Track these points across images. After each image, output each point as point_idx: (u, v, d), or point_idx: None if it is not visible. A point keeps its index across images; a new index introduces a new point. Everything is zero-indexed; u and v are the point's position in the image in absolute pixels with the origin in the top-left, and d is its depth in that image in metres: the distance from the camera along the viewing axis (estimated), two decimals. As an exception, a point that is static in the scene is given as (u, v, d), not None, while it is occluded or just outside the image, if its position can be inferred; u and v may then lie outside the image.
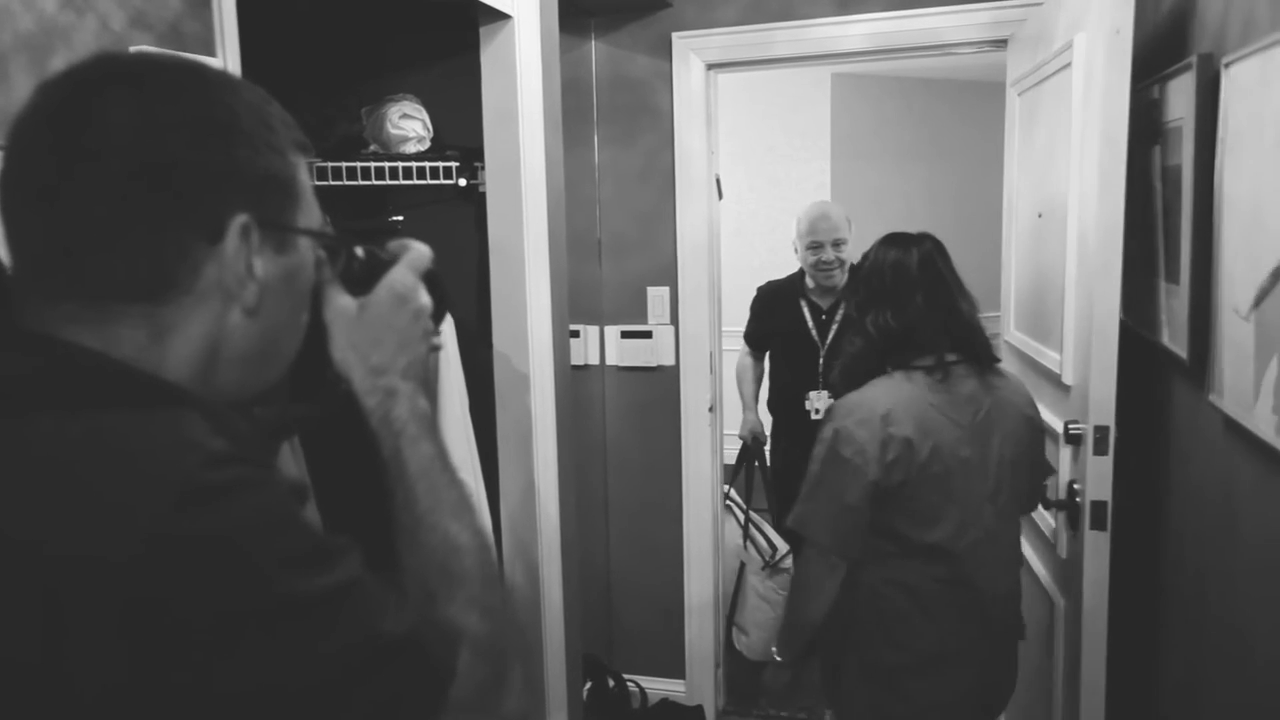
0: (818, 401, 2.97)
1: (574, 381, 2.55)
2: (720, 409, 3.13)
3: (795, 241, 3.08)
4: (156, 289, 0.63)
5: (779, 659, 1.96)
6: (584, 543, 2.74)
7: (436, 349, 0.82)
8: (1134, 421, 1.89)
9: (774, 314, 3.15)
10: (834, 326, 3.01)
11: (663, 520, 3.06)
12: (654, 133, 2.91)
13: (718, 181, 3.02)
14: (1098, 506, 1.85)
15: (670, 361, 2.99)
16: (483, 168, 2.04)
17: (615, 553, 3.14)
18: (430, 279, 0.80)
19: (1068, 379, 1.98)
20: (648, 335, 2.98)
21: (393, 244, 0.80)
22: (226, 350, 0.66)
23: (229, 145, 0.64)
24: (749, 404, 3.31)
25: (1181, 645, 1.85)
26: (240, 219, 0.64)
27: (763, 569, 2.98)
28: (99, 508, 0.54)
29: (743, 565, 2.96)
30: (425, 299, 0.78)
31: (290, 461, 1.48)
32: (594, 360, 3.05)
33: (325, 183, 1.93)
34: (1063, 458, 1.97)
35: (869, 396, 1.75)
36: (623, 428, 3.08)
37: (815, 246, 3.01)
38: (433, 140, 2.07)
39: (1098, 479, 1.84)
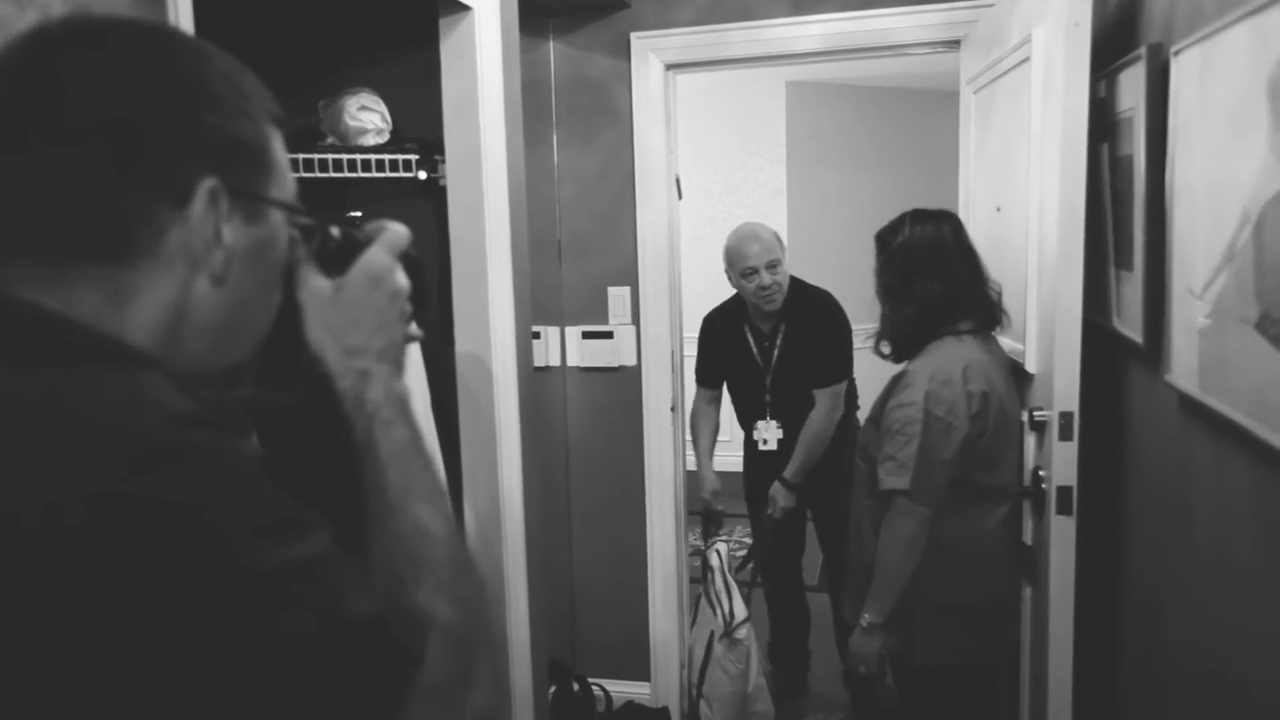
0: (765, 432, 2.92)
1: (536, 382, 2.53)
2: (681, 409, 3.12)
3: (727, 271, 2.91)
4: (118, 251, 0.61)
5: (870, 620, 1.97)
6: (547, 545, 2.71)
7: (415, 338, 0.80)
8: (1092, 407, 1.92)
9: (720, 342, 3.00)
10: (776, 351, 2.91)
11: (626, 522, 3.04)
12: (613, 132, 2.91)
13: (677, 181, 3.02)
14: (1063, 492, 1.87)
15: (632, 362, 2.98)
16: (443, 161, 2.01)
17: (579, 555, 3.11)
18: (408, 262, 0.78)
19: (1031, 367, 2.01)
20: (609, 336, 2.97)
21: (370, 225, 0.78)
22: (192, 319, 0.64)
23: (198, 107, 0.62)
24: (704, 458, 3.02)
25: (1141, 624, 1.87)
26: (208, 183, 0.62)
27: (720, 638, 2.78)
28: (49, 464, 0.51)
29: (712, 633, 2.84)
30: (403, 280, 0.76)
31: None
32: (555, 361, 3.03)
33: None
34: (1028, 445, 2.00)
35: (942, 359, 1.92)
36: (585, 429, 3.05)
37: (750, 273, 2.82)
38: (392, 133, 2.04)
39: (1063, 464, 1.87)
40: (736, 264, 2.86)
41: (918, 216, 2.01)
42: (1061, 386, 1.86)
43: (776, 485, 2.88)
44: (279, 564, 0.55)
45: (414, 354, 1.97)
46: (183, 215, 0.62)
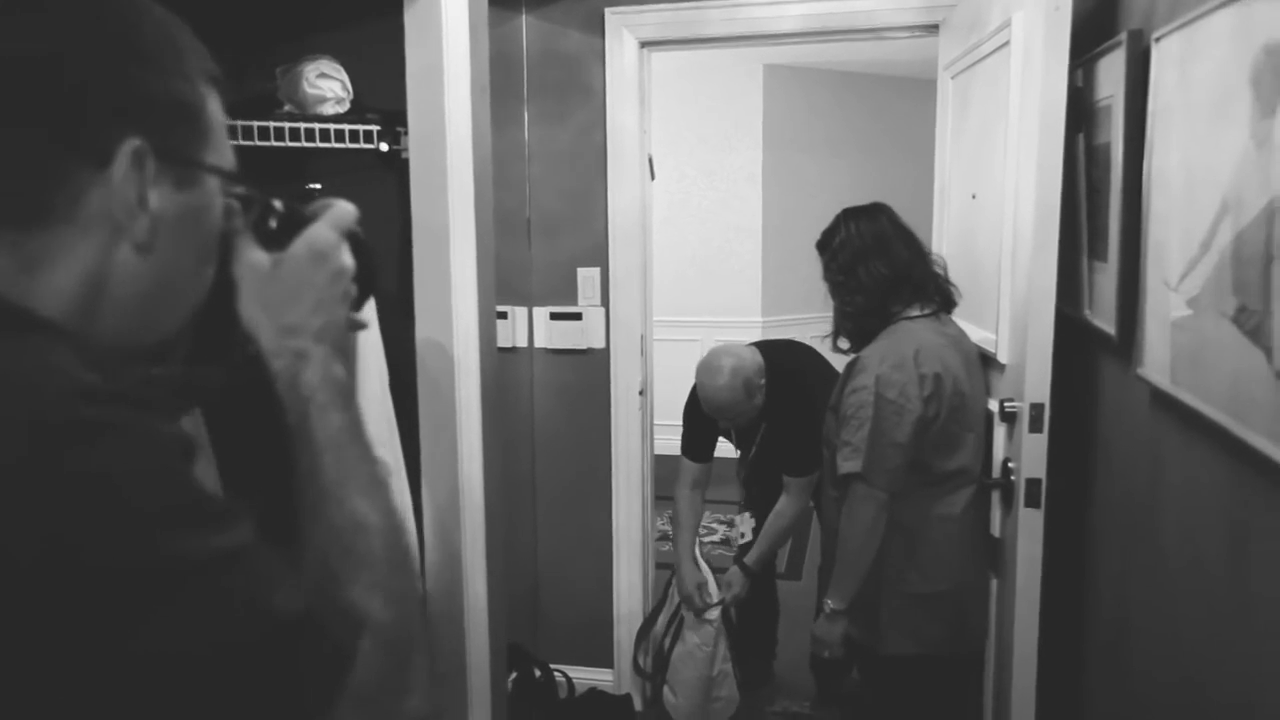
0: (742, 525, 2.84)
1: (501, 364, 2.48)
2: (650, 392, 3.09)
3: None
4: (28, 214, 0.57)
5: (833, 606, 1.97)
6: (510, 529, 2.66)
7: (359, 325, 0.77)
8: (1063, 400, 1.90)
9: (704, 425, 2.77)
10: (754, 448, 2.78)
11: (592, 506, 3.01)
12: (586, 110, 2.85)
13: (650, 162, 2.97)
14: (1033, 484, 1.86)
15: (601, 344, 2.93)
16: (406, 133, 1.94)
17: (543, 540, 3.07)
18: (355, 242, 0.75)
19: (1003, 358, 1.99)
20: (578, 317, 2.92)
21: (316, 203, 0.75)
22: (113, 290, 0.61)
23: (125, 60, 0.59)
24: (684, 551, 2.72)
25: (1108, 620, 1.86)
26: (132, 143, 0.59)
27: (695, 618, 2.70)
28: None
29: (679, 612, 2.74)
30: (347, 259, 0.73)
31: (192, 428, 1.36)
32: (522, 342, 2.98)
33: (235, 142, 1.78)
34: (997, 436, 1.98)
35: (893, 343, 1.91)
36: (551, 411, 3.01)
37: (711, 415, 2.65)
38: (353, 102, 1.96)
39: (1033, 456, 1.85)
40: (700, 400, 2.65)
41: (851, 214, 2.05)
42: (1033, 377, 1.84)
43: (734, 570, 2.76)
44: (199, 553, 0.51)
45: (372, 334, 1.91)
46: (103, 177, 0.58)
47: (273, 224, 0.72)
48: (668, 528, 4.58)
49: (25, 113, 0.56)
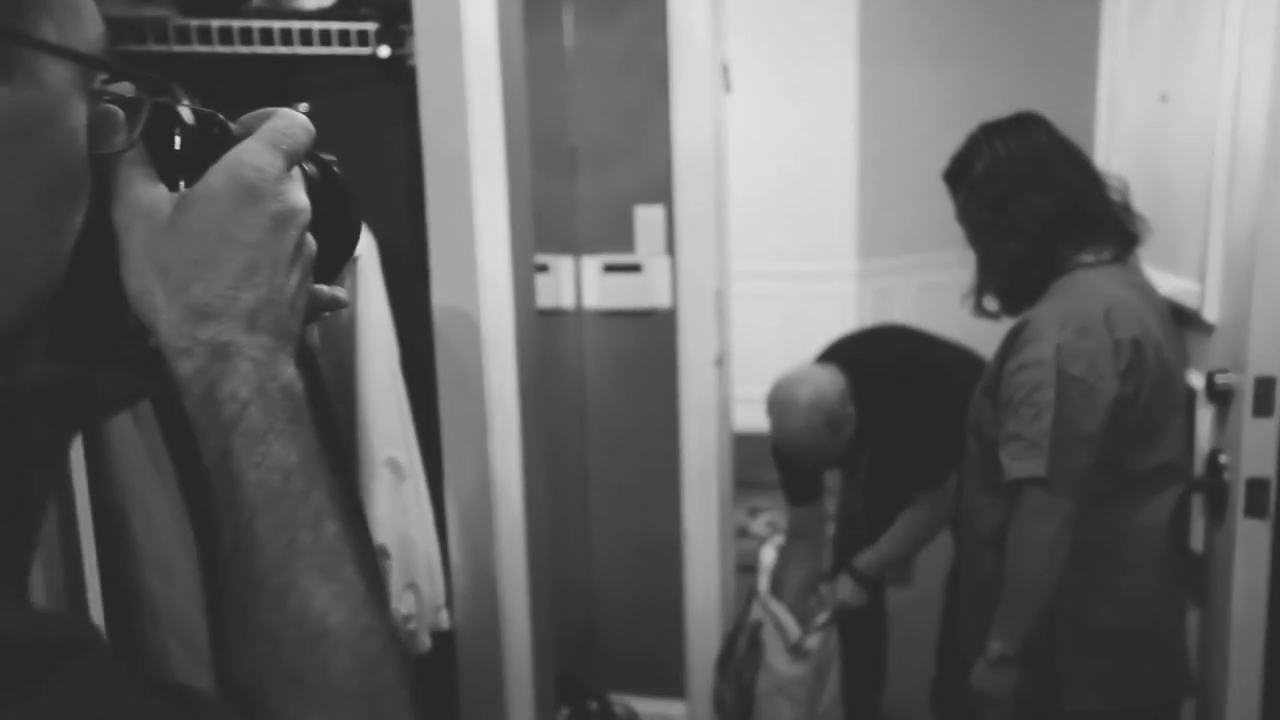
0: (840, 591, 2.63)
1: (542, 331, 2.39)
2: (729, 363, 2.94)
3: None
4: None
5: (1000, 651, 1.74)
6: (557, 537, 2.61)
7: (335, 305, 0.64)
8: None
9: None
10: (864, 475, 2.65)
11: (657, 506, 2.89)
12: (642, 7, 2.67)
13: (725, 71, 2.79)
14: (1256, 486, 1.67)
15: (666, 303, 2.79)
16: (411, 32, 1.82)
17: (597, 548, 2.98)
18: (323, 173, 0.62)
19: (1211, 315, 1.78)
20: (636, 269, 2.78)
21: (250, 114, 0.60)
22: None
23: None
24: (803, 583, 2.68)
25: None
26: None
27: (787, 650, 2.60)
28: None
29: (758, 634, 2.62)
30: (298, 197, 0.57)
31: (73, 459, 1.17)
32: (568, 303, 2.85)
33: (190, 48, 1.69)
34: (1201, 421, 1.78)
35: (1074, 299, 1.73)
36: (606, 389, 2.88)
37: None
38: None
39: (1258, 449, 1.66)
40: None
41: (994, 130, 1.87)
42: (1260, 342, 1.64)
43: (843, 577, 2.61)
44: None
45: (377, 303, 1.82)
46: None
47: (176, 142, 0.56)
48: (752, 525, 4.39)
49: None
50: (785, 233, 5.30)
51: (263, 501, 0.52)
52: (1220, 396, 1.71)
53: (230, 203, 0.54)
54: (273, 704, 0.49)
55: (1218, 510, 1.74)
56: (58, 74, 0.50)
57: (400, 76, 1.90)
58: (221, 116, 0.59)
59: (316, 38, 1.77)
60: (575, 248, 2.82)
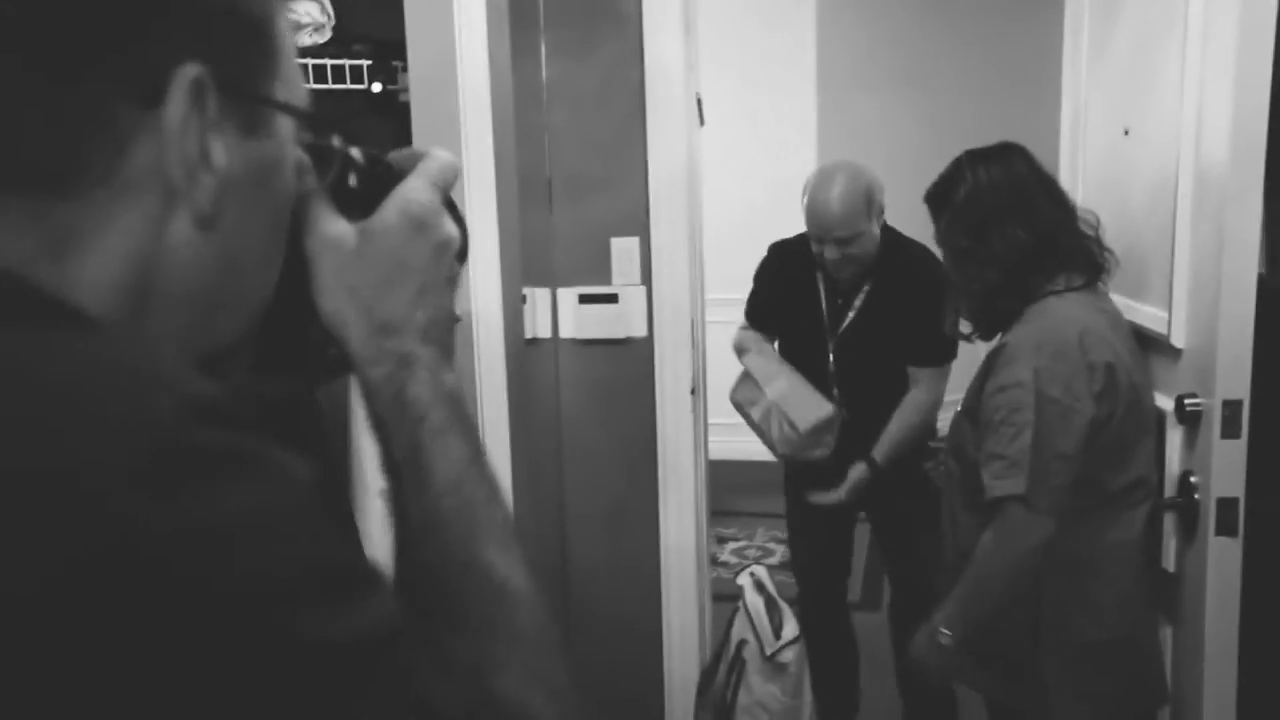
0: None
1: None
2: (704, 391, 2.94)
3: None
4: (57, 175, 0.49)
5: (947, 639, 1.82)
6: (534, 565, 2.53)
7: (456, 319, 0.69)
8: (1265, 395, 1.71)
9: (785, 284, 2.81)
10: (852, 313, 2.69)
11: (634, 531, 2.87)
12: (618, 41, 2.68)
13: (699, 103, 2.83)
14: (1226, 505, 1.71)
15: (642, 332, 2.79)
16: (404, 68, 1.82)
17: (575, 574, 2.94)
18: (449, 204, 0.68)
19: (1178, 341, 1.83)
20: (613, 299, 2.78)
21: (398, 153, 0.67)
22: (166, 278, 0.53)
23: None
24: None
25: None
26: (190, 70, 0.50)
27: (763, 660, 2.62)
28: (17, 460, 0.40)
29: (741, 651, 2.62)
30: (450, 229, 0.65)
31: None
32: (544, 332, 2.83)
33: None
34: (1172, 442, 1.83)
35: (1050, 325, 1.78)
36: (582, 416, 2.87)
37: (815, 238, 2.63)
38: (335, 30, 1.86)
39: (1226, 469, 1.71)
40: (804, 217, 2.65)
41: (977, 157, 1.92)
42: (1227, 366, 1.68)
43: (860, 465, 2.64)
44: (343, 634, 0.44)
45: None
46: (153, 120, 0.50)
47: (353, 182, 0.64)
48: (721, 554, 4.40)
49: (55, 39, 0.47)
50: (745, 261, 5.33)
51: (448, 486, 0.59)
52: (1190, 419, 1.76)
53: (403, 234, 0.62)
54: (469, 654, 0.54)
55: (1189, 529, 1.78)
56: (284, 128, 0.58)
57: (393, 110, 1.88)
58: (385, 158, 0.66)
59: (310, 74, 1.78)
60: (551, 279, 2.80)
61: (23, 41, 0.47)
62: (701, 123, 2.89)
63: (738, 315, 5.16)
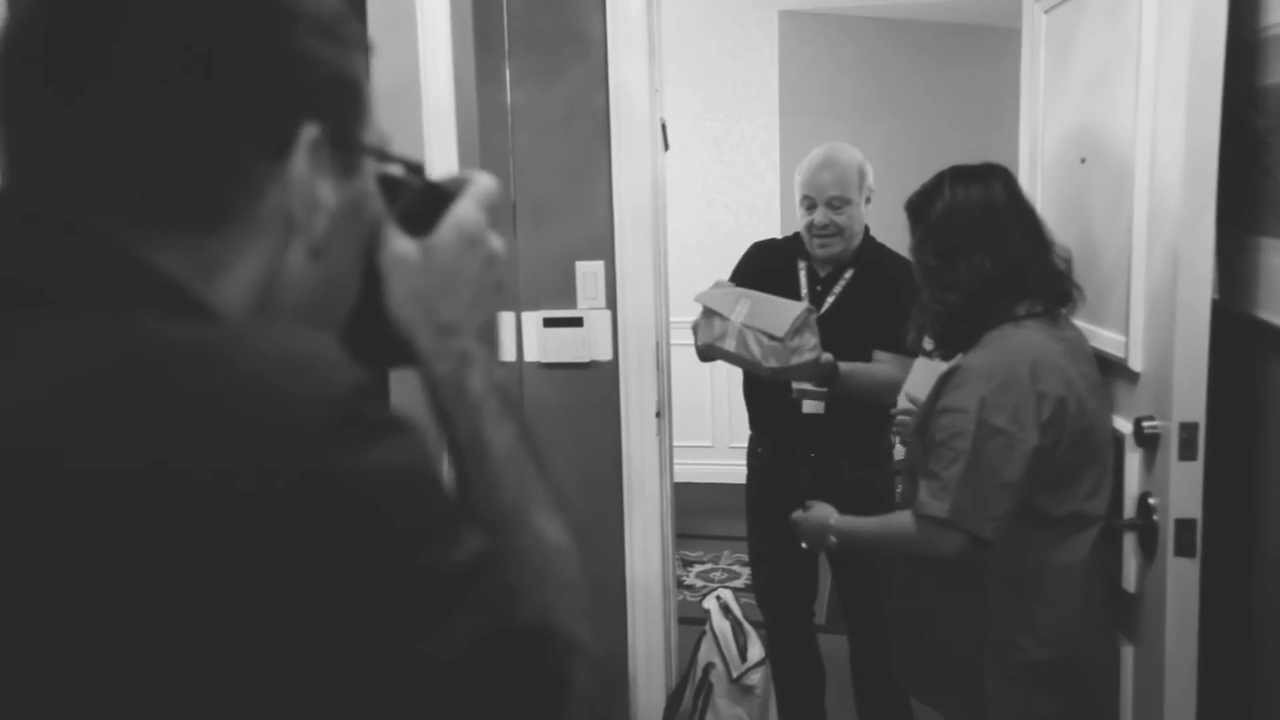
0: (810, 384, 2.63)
1: None
2: (669, 414, 2.94)
3: (795, 193, 2.79)
4: (207, 216, 0.60)
5: (837, 534, 2.04)
6: None
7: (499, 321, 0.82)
8: (1222, 418, 1.73)
9: (763, 271, 2.78)
10: (831, 299, 2.72)
11: (600, 556, 2.85)
12: (582, 66, 2.70)
13: (663, 128, 2.83)
14: (1184, 526, 1.72)
15: (607, 355, 2.79)
16: None
17: None
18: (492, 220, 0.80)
19: (1136, 364, 1.85)
20: (577, 323, 2.78)
21: (450, 176, 0.78)
22: (280, 297, 0.64)
23: (293, 33, 0.61)
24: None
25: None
26: (311, 130, 0.62)
27: (730, 683, 2.62)
28: (223, 423, 0.52)
29: (708, 674, 2.63)
30: (497, 243, 0.76)
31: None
32: (509, 355, 2.82)
33: None
34: (1130, 465, 1.84)
35: (1003, 353, 1.79)
36: (547, 441, 2.78)
37: (808, 204, 2.67)
38: None
39: (1184, 491, 1.71)
40: (799, 187, 2.71)
41: (959, 175, 1.91)
42: (1183, 389, 1.69)
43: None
44: (454, 564, 0.57)
45: None
46: (280, 170, 0.61)
47: (415, 205, 0.74)
48: (687, 577, 4.38)
49: (211, 105, 0.58)
50: (708, 285, 5.37)
51: (505, 461, 0.71)
52: (1148, 441, 1.77)
53: (458, 250, 0.73)
54: (532, 592, 0.65)
55: (1149, 550, 1.79)
56: (370, 166, 0.68)
57: (356, 135, 1.87)
58: (440, 185, 0.76)
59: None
60: (516, 302, 2.80)
61: (186, 113, 0.58)
62: (666, 148, 2.88)
63: (687, 337, 5.21)
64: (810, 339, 2.46)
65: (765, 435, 2.85)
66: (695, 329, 2.67)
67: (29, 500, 0.51)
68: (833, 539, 2.01)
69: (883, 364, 2.63)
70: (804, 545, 2.16)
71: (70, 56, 0.57)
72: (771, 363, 2.48)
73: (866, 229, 2.75)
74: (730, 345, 2.55)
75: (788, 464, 2.74)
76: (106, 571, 0.50)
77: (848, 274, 2.71)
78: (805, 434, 2.69)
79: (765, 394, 2.76)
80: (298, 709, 0.52)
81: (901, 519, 1.87)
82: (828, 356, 2.48)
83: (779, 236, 2.93)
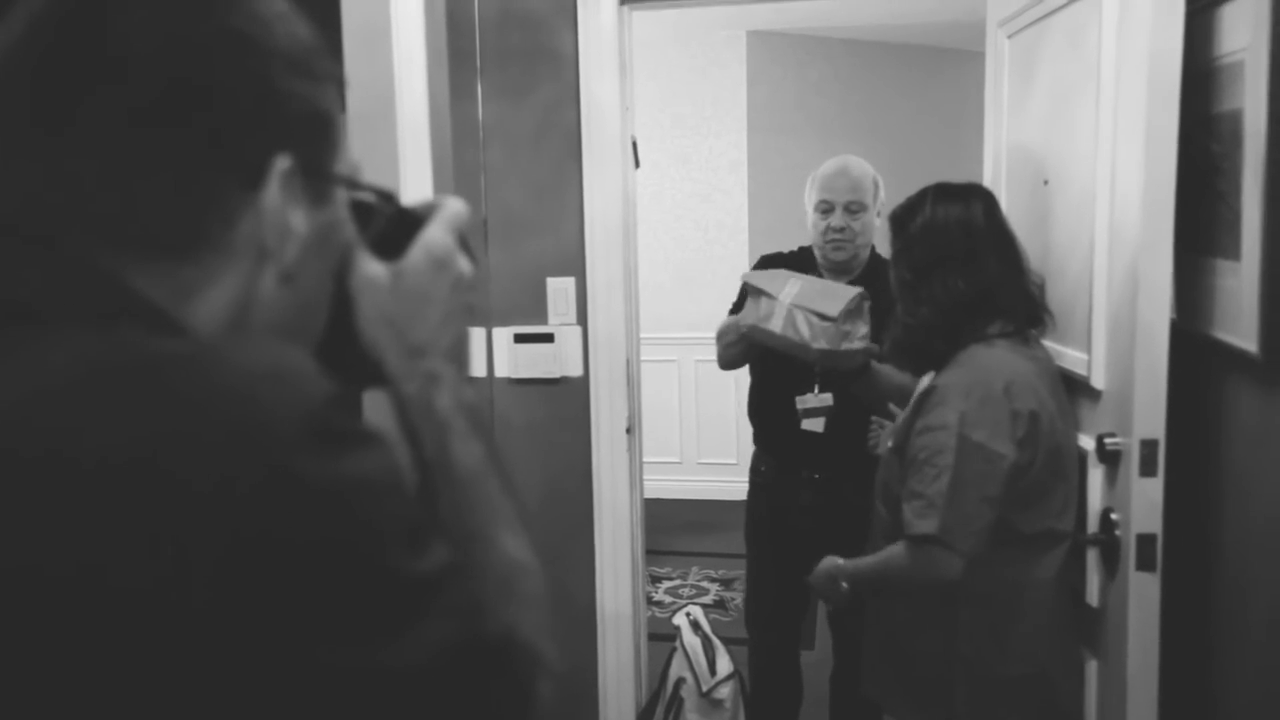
0: (812, 402, 2.60)
1: None
2: (640, 429, 2.96)
3: (806, 202, 2.73)
4: (183, 244, 0.62)
5: (848, 585, 1.98)
6: None
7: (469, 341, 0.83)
8: (1180, 434, 1.77)
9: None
10: None
11: (570, 572, 2.86)
12: (554, 83, 2.72)
13: (634, 145, 2.84)
14: (1145, 541, 1.74)
15: (577, 371, 2.80)
16: (343, 109, 1.77)
17: None
18: (463, 243, 0.79)
19: (1098, 382, 1.88)
20: (548, 339, 2.78)
21: (418, 202, 0.79)
22: (253, 320, 0.66)
23: (266, 68, 0.63)
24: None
25: (1244, 706, 1.72)
26: (284, 162, 0.64)
27: (699, 697, 2.62)
28: (213, 427, 0.54)
29: (679, 689, 2.60)
30: (466, 265, 0.77)
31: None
32: (479, 371, 2.82)
33: None
34: (1093, 481, 1.87)
35: (979, 371, 1.81)
36: (518, 455, 2.84)
37: (824, 209, 2.64)
38: None
39: (1145, 506, 1.74)
40: (815, 193, 2.68)
41: (942, 193, 1.93)
42: (1144, 407, 1.72)
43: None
44: (422, 571, 0.58)
45: None
46: (254, 200, 0.63)
47: (382, 227, 0.75)
48: (655, 593, 4.38)
49: (187, 137, 0.60)
50: (678, 301, 5.37)
51: (471, 479, 0.72)
52: (1110, 458, 1.80)
53: (427, 273, 0.74)
54: (498, 608, 0.66)
55: (1110, 565, 1.82)
56: (341, 195, 0.70)
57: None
58: (410, 210, 0.77)
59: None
60: (487, 318, 2.80)
61: (163, 145, 0.60)
62: (637, 165, 2.89)
63: (672, 354, 5.24)
64: (862, 327, 2.38)
65: (770, 452, 2.81)
66: (733, 313, 2.63)
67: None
68: (844, 584, 1.97)
69: (899, 373, 2.51)
70: (827, 606, 2.11)
71: (52, 91, 0.59)
72: (821, 343, 2.35)
73: (873, 247, 2.74)
74: (776, 326, 2.42)
75: (791, 482, 2.71)
76: (66, 570, 0.51)
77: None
78: (809, 454, 2.66)
79: (772, 411, 2.73)
80: (262, 712, 0.53)
81: (896, 550, 1.84)
82: (874, 347, 2.37)
83: (784, 250, 2.84)
